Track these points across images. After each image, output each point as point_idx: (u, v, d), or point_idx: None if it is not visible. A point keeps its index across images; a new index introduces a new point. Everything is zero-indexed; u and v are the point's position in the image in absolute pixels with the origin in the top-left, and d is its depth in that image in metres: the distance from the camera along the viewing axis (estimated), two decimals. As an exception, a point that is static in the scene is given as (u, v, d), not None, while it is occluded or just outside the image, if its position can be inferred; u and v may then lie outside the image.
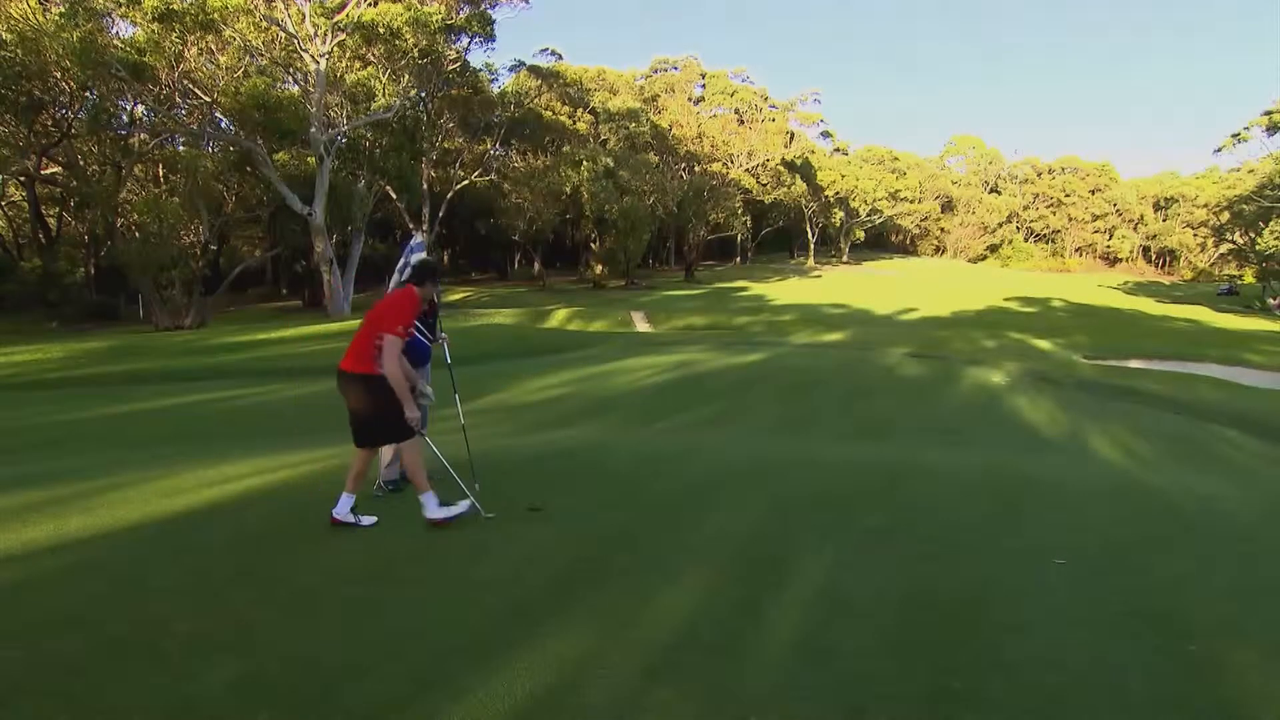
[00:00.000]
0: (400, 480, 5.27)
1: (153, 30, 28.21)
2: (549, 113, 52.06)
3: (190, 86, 30.57)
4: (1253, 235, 54.64)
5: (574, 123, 54.81)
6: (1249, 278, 64.03)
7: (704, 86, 74.50)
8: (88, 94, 29.81)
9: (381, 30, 32.25)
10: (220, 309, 35.81)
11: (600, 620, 3.30)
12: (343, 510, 4.45)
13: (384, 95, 35.15)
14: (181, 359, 19.37)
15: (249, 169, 34.70)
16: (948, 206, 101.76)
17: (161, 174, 34.43)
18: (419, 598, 3.53)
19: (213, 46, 30.57)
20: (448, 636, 3.12)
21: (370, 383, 4.36)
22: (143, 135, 32.86)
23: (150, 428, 10.01)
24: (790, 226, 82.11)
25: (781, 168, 67.58)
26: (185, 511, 4.76)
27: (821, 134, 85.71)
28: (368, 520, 4.48)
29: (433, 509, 4.45)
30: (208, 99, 31.02)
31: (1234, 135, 56.40)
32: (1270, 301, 51.99)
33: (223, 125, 33.99)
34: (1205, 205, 71.57)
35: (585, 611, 3.39)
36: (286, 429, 9.59)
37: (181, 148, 34.80)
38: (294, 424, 10.17)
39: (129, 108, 31.91)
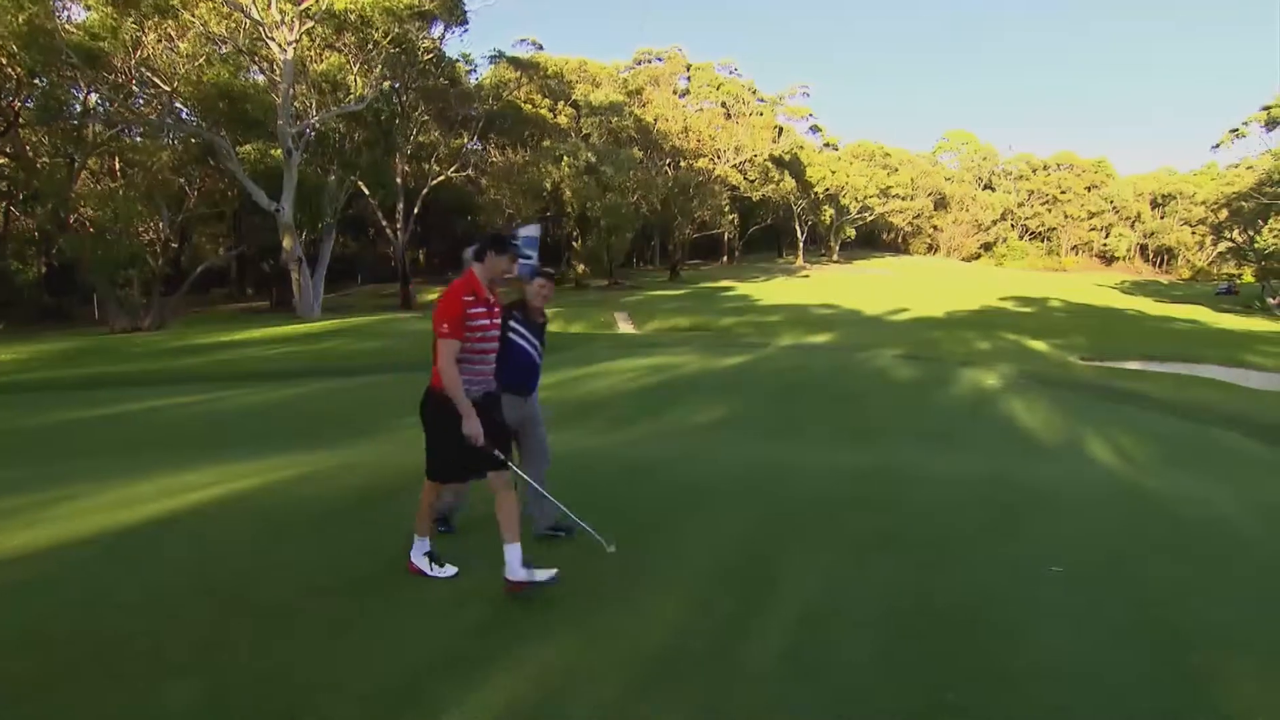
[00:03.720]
0: (555, 527, 4.58)
1: (107, 14, 27.84)
2: (529, 106, 51.97)
3: (148, 75, 30.17)
4: (1251, 233, 55.63)
5: (555, 116, 54.74)
6: (1248, 277, 65.17)
7: (689, 79, 74.76)
8: (37, 81, 29.33)
9: (352, 18, 32.06)
10: (182, 310, 35.35)
11: (584, 633, 3.30)
12: (515, 568, 3.67)
13: (356, 87, 34.93)
14: (140, 362, 19.10)
15: (212, 162, 34.33)
16: (940, 204, 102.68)
17: (118, 167, 33.96)
18: (394, 612, 3.51)
19: (172, 33, 30.21)
20: (425, 651, 3.10)
21: (431, 399, 3.74)
22: (97, 126, 32.40)
23: (107, 435, 9.86)
24: (779, 224, 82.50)
25: (769, 164, 67.88)
26: (144, 523, 4.69)
27: (811, 129, 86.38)
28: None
29: (418, 555, 3.92)
30: (167, 88, 30.64)
31: (1232, 131, 57.46)
32: (1270, 301, 52.91)
33: (184, 116, 33.60)
34: (1203, 202, 72.65)
35: (568, 624, 3.39)
36: (253, 436, 9.48)
37: (139, 139, 34.33)
38: (261, 430, 10.06)
39: (82, 96, 31.45)
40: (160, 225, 32.37)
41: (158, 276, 32.32)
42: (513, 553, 3.63)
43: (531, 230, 4.83)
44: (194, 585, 3.77)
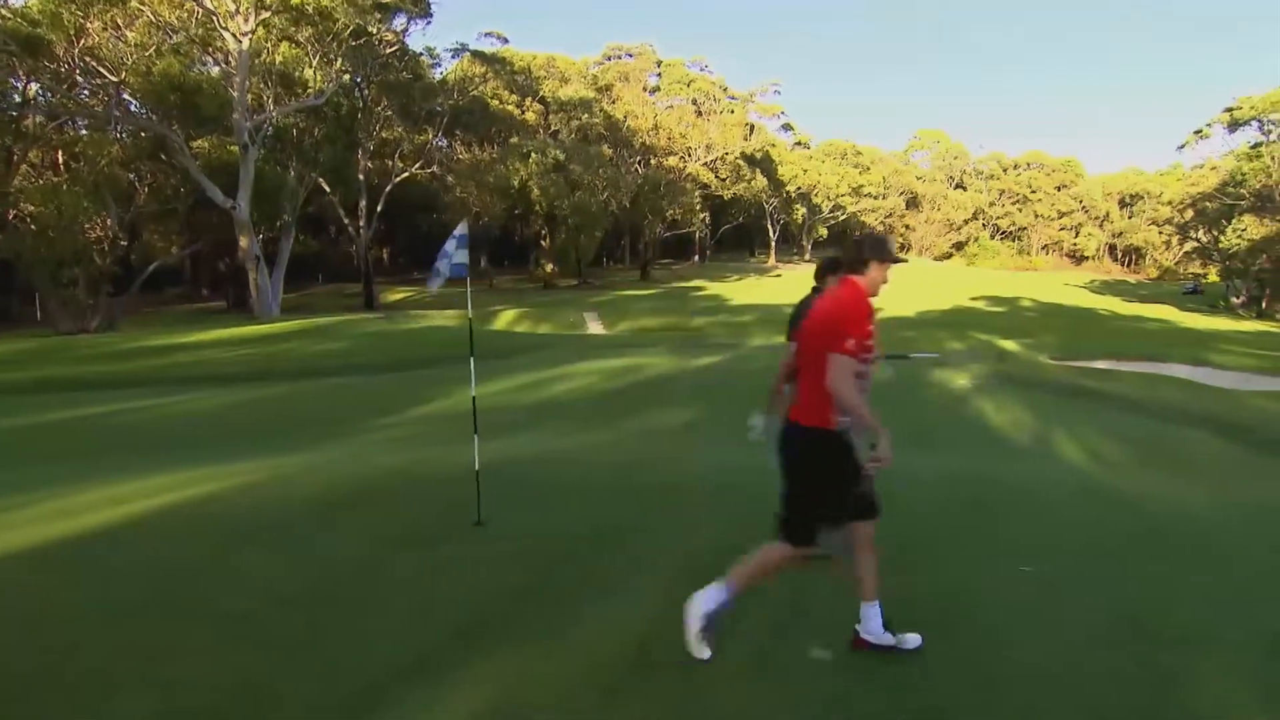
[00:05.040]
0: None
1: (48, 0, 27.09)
2: (495, 101, 51.69)
3: (93, 65, 29.39)
4: (1216, 233, 57.32)
5: (522, 112, 54.54)
6: (1213, 276, 67.15)
7: (660, 76, 74.99)
8: (-31, 69, 28.44)
9: (310, 10, 31.58)
10: (132, 310, 34.48)
11: (551, 640, 3.29)
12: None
13: (315, 80, 34.42)
14: (86, 366, 18.61)
15: (164, 157, 33.57)
16: (912, 203, 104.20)
17: (61, 160, 33.03)
18: (358, 619, 3.47)
19: (119, 21, 29.48)
20: (390, 659, 3.07)
21: (802, 436, 3.21)
22: (38, 117, 31.48)
23: (52, 442, 9.60)
24: (750, 223, 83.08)
25: (741, 162, 68.33)
26: (92, 532, 4.58)
27: (782, 127, 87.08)
28: (912, 640, 3.21)
29: (873, 625, 3.22)
30: (114, 79, 29.89)
31: (1196, 132, 59.20)
32: (1234, 300, 54.60)
33: (133, 108, 32.80)
34: (1169, 203, 74.79)
35: (535, 631, 3.38)
36: (209, 441, 9.31)
37: (85, 132, 33.43)
38: (217, 435, 9.88)
39: (21, 86, 30.49)
40: (108, 222, 31.56)
41: (105, 275, 31.47)
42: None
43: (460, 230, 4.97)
44: (147, 595, 3.68)
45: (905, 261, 3.84)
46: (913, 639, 3.21)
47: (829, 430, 3.16)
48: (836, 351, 3.09)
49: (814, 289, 4.39)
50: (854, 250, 3.34)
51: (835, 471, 3.18)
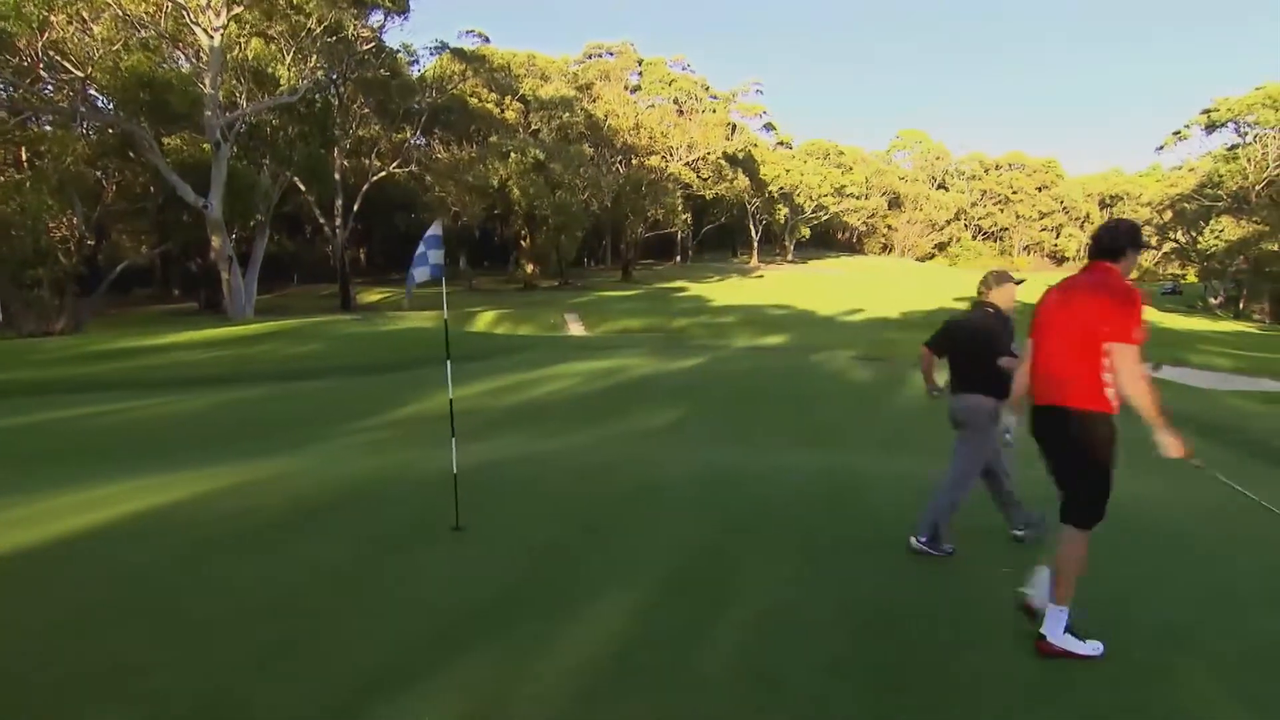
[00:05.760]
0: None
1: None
2: (475, 99, 51.51)
3: (58, 59, 28.90)
4: (1194, 234, 58.36)
5: (502, 111, 54.38)
6: (1191, 277, 68.31)
7: (641, 74, 75.05)
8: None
9: (283, 4, 31.29)
10: (99, 312, 33.98)
11: (531, 644, 3.27)
12: (1053, 630, 3.20)
13: (288, 77, 34.09)
14: (51, 369, 18.29)
15: (132, 154, 33.09)
16: (895, 203, 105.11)
17: (24, 157, 32.49)
18: (337, 625, 3.44)
19: (85, 14, 28.99)
20: (366, 666, 3.04)
21: (1083, 421, 3.17)
22: (0, 112, 30.94)
23: (19, 446, 9.41)
24: (733, 224, 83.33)
25: (723, 161, 68.52)
26: (55, 541, 4.49)
27: (764, 126, 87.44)
28: (1090, 647, 3.18)
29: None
30: (80, 74, 29.42)
31: (1175, 133, 60.32)
32: (1212, 300, 55.60)
33: (100, 104, 32.30)
34: (1149, 204, 76.07)
35: (514, 635, 3.35)
36: (180, 446, 9.17)
37: (49, 128, 32.91)
38: (188, 440, 9.73)
39: (-20, 80, 29.99)
40: (74, 221, 31.07)
41: (71, 276, 30.98)
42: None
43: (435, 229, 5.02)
44: (112, 606, 3.61)
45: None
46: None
47: (1105, 413, 3.10)
48: (1124, 341, 3.00)
49: (976, 303, 4.82)
50: (1109, 237, 3.25)
51: (1107, 455, 3.13)
